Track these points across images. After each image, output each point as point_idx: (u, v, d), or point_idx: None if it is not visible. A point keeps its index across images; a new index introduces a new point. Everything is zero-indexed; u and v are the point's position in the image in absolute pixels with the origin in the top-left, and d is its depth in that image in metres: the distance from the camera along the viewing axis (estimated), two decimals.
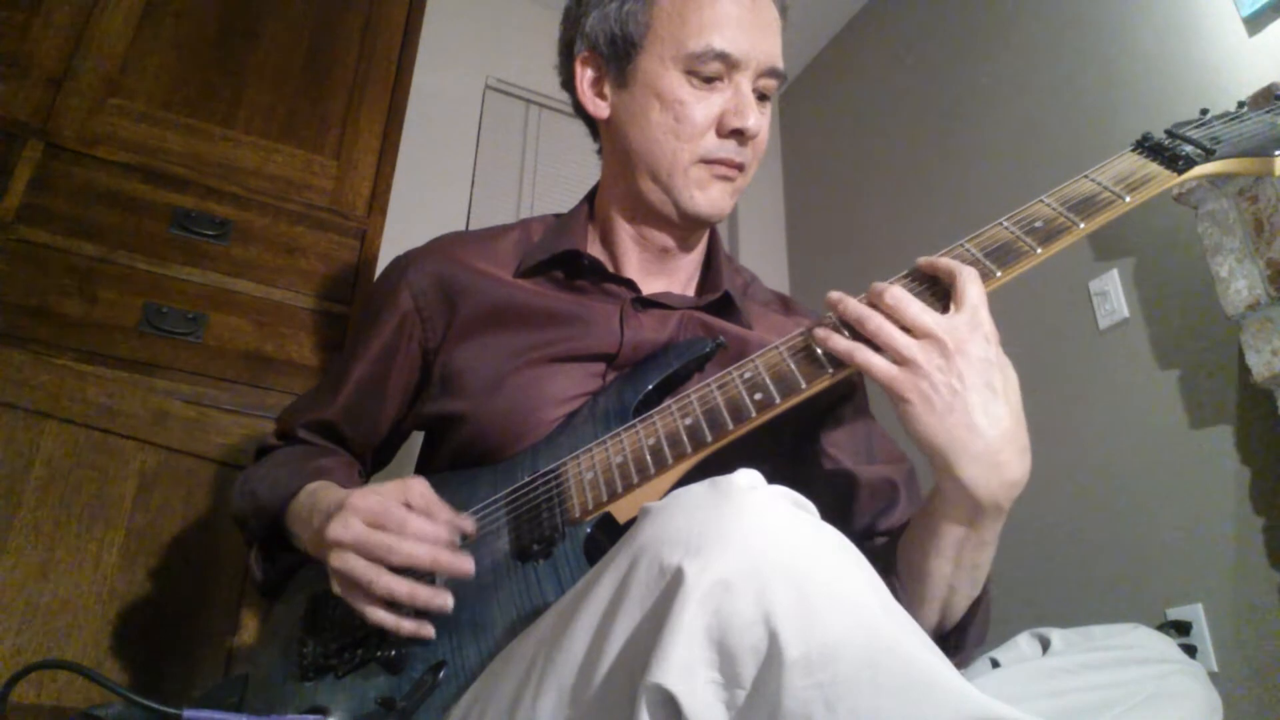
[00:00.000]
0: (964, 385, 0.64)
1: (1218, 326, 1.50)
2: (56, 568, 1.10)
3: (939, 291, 0.70)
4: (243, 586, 1.23)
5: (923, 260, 0.72)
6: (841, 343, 0.69)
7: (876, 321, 0.67)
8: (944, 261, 0.70)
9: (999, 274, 0.71)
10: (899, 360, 0.66)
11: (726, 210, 0.92)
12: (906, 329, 0.66)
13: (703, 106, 0.87)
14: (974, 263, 0.72)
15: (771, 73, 0.90)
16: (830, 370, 0.70)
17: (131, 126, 1.42)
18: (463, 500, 0.80)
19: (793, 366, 0.72)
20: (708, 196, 0.89)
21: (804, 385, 0.70)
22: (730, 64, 0.87)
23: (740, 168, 0.90)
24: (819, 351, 0.71)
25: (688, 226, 0.93)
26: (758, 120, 0.88)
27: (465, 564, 0.71)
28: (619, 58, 0.92)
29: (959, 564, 0.71)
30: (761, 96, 0.91)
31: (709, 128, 0.88)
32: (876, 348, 0.68)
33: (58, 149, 1.33)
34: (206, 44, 1.54)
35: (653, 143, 0.89)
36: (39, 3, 1.42)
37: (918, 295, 0.70)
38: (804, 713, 0.43)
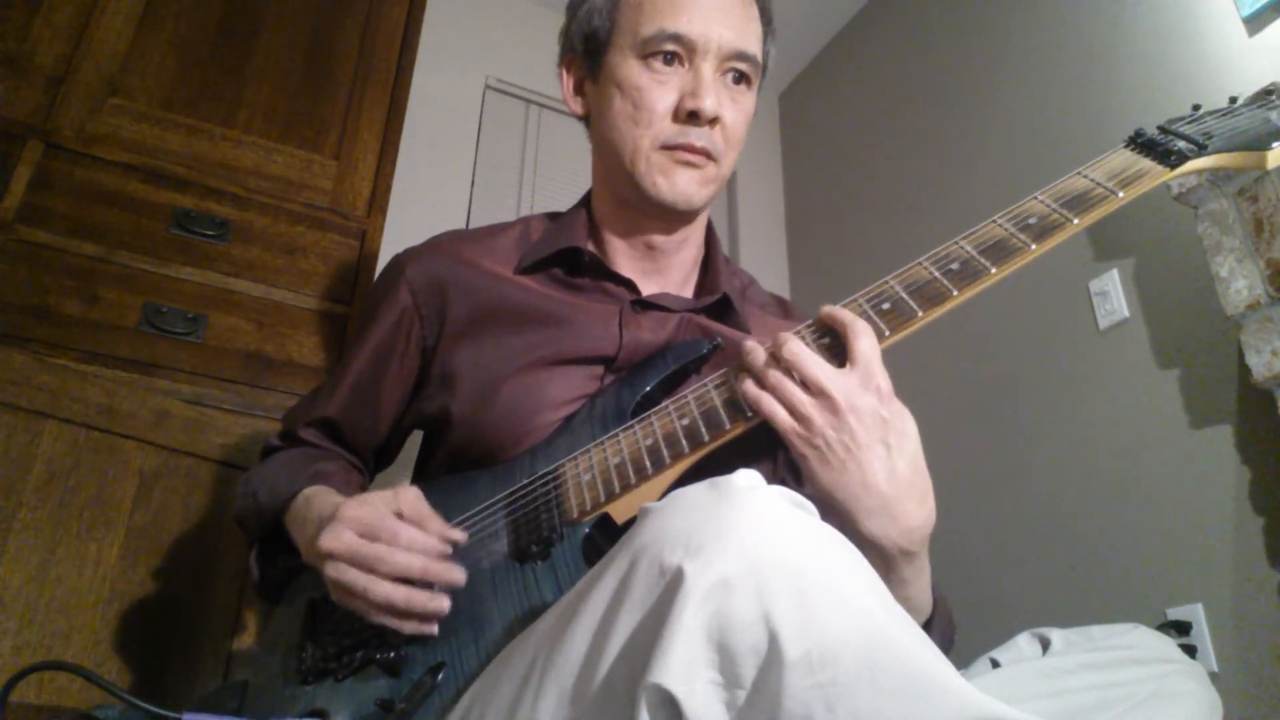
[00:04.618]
0: (856, 443, 0.65)
1: (1218, 326, 1.50)
2: (56, 568, 1.10)
3: (840, 341, 0.70)
4: (243, 587, 1.23)
5: (824, 311, 0.72)
6: (751, 390, 0.69)
7: (775, 378, 0.68)
8: (840, 314, 0.70)
9: (993, 270, 0.71)
10: (795, 416, 0.66)
11: (697, 199, 0.89)
12: (805, 383, 0.67)
13: (661, 92, 0.87)
14: (968, 259, 0.72)
15: (739, 56, 0.88)
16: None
17: (131, 126, 1.42)
18: (461, 503, 0.81)
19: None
20: (671, 183, 0.88)
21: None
22: (687, 46, 0.87)
23: (705, 154, 0.88)
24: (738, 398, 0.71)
25: (661, 216, 0.92)
26: (715, 102, 0.86)
27: (456, 574, 0.72)
28: (591, 55, 0.93)
29: None
30: (739, 80, 0.90)
31: (667, 114, 0.87)
32: None
33: (58, 149, 1.33)
34: (206, 44, 1.54)
35: (615, 132, 0.89)
36: (39, 3, 1.42)
37: (820, 346, 0.70)
38: (804, 713, 0.43)
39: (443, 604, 0.71)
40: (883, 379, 0.66)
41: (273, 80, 1.58)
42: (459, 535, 0.75)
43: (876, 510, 0.65)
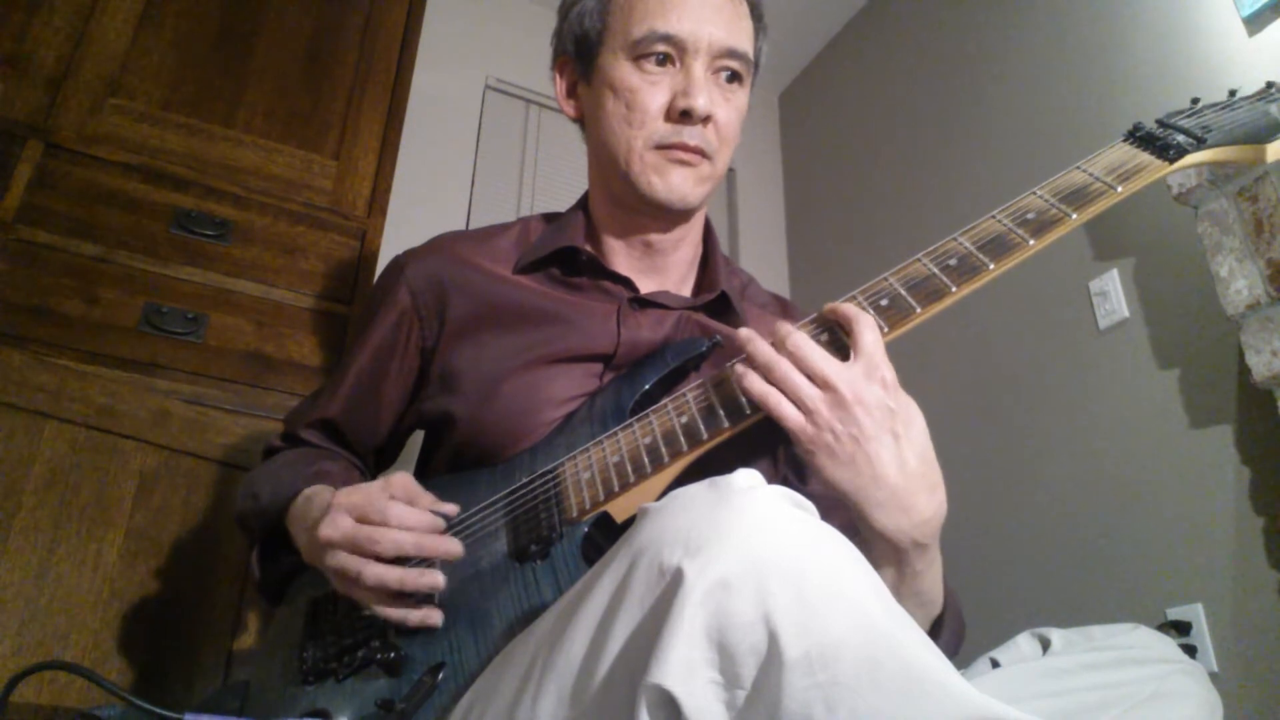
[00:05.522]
0: (864, 435, 0.64)
1: (1218, 326, 1.50)
2: (56, 568, 1.10)
3: (840, 338, 0.70)
4: (243, 587, 1.23)
5: (827, 307, 0.72)
6: (757, 385, 0.68)
7: (783, 369, 0.67)
8: (843, 309, 0.70)
9: (992, 266, 0.71)
10: (803, 410, 0.66)
11: (693, 198, 0.90)
12: (809, 377, 0.66)
13: (653, 92, 0.87)
14: (966, 255, 0.72)
15: (730, 54, 0.89)
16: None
17: (131, 126, 1.42)
18: (461, 502, 0.80)
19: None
20: (667, 183, 0.88)
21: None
22: (677, 46, 0.87)
23: (699, 152, 0.88)
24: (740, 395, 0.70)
25: (657, 216, 0.93)
26: (707, 101, 0.86)
27: (452, 546, 0.72)
28: (583, 57, 0.94)
29: (900, 595, 0.70)
30: (731, 78, 0.90)
31: (660, 114, 0.87)
32: None
33: (58, 149, 1.34)
34: (206, 44, 1.54)
35: (610, 134, 0.90)
36: (39, 3, 1.42)
37: (823, 341, 0.69)
38: (804, 713, 0.43)
39: (437, 579, 0.71)
40: (888, 371, 0.66)
41: (273, 80, 1.58)
42: (450, 508, 0.75)
43: (887, 502, 0.65)
